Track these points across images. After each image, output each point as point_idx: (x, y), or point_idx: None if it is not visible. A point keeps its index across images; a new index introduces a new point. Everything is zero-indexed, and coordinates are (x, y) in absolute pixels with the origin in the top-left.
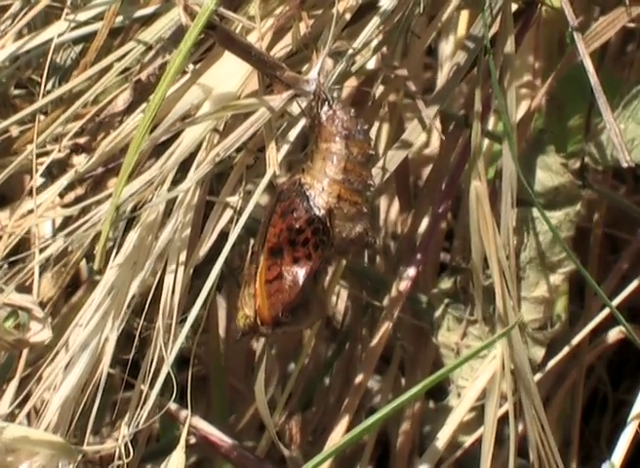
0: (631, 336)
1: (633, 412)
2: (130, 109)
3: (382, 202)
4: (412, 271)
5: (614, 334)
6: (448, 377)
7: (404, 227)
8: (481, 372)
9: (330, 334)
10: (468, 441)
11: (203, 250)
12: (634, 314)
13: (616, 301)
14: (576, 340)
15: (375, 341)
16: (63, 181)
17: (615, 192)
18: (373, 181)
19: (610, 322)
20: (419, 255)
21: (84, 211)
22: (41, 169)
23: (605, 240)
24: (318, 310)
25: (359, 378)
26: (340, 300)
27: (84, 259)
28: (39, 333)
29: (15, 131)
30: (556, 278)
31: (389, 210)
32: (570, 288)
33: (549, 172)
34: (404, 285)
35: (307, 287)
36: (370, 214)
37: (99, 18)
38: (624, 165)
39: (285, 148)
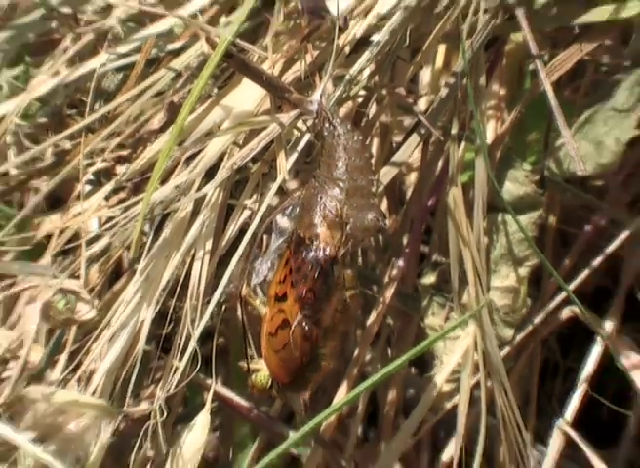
0: (582, 313)
1: (580, 377)
2: (164, 127)
3: None
4: (400, 264)
5: (565, 314)
6: (432, 352)
7: (392, 224)
8: (456, 347)
9: None
10: (448, 404)
11: (225, 243)
12: (583, 297)
13: (569, 286)
14: (534, 319)
15: (369, 323)
16: (108, 187)
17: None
18: (374, 175)
19: (562, 304)
20: (407, 250)
21: (125, 211)
22: (87, 176)
23: (557, 235)
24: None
25: (356, 353)
26: None
27: (125, 252)
28: (86, 313)
29: (68, 145)
30: (522, 271)
31: None
32: (529, 277)
33: (516, 183)
34: (394, 276)
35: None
36: (378, 204)
37: (135, 49)
38: (579, 173)
39: (293, 158)
